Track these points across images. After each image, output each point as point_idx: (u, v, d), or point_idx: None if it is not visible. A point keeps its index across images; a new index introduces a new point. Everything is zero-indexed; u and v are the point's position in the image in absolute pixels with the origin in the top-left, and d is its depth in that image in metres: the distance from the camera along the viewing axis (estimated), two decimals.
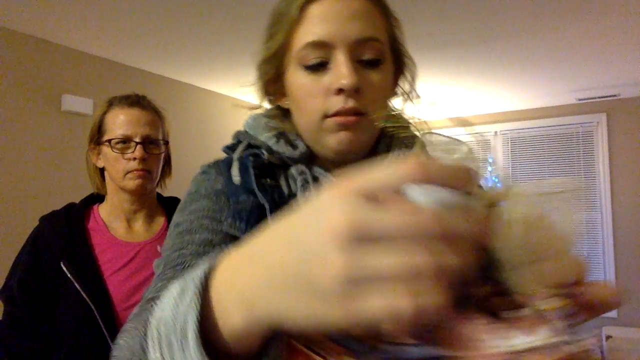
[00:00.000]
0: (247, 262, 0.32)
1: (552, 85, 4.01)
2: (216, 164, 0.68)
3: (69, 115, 2.92)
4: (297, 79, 0.62)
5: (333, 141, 0.61)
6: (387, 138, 0.66)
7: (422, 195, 0.26)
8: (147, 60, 3.27)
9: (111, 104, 1.30)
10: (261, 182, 0.62)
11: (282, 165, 0.65)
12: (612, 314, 4.37)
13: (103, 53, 3.10)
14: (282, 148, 0.65)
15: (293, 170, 0.64)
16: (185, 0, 2.34)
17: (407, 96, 0.69)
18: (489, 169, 4.99)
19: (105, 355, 1.13)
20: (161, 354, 0.35)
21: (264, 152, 0.65)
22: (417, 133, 0.62)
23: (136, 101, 1.30)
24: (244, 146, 0.67)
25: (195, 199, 0.64)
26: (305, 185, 0.62)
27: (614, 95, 4.29)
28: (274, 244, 0.30)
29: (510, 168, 4.94)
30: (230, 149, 0.69)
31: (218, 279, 0.34)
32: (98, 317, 1.13)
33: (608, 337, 4.11)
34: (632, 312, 4.31)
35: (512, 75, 3.71)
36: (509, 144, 4.96)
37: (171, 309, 0.35)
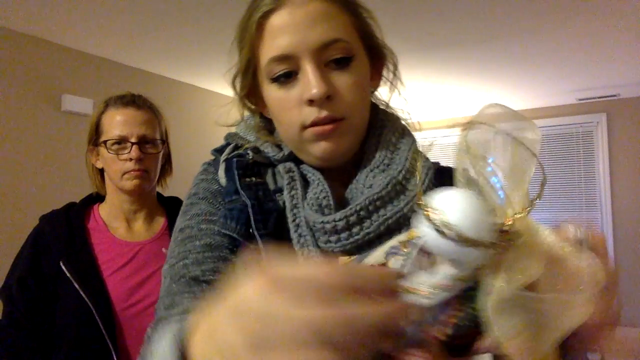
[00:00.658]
0: (203, 337, 0.34)
1: (552, 85, 4.01)
2: (215, 162, 0.69)
3: (69, 115, 2.92)
4: (269, 92, 0.62)
5: (315, 151, 0.61)
6: (374, 137, 0.66)
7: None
8: (147, 60, 3.28)
9: (107, 104, 1.29)
10: (245, 181, 0.63)
11: (269, 164, 0.67)
12: None
13: (103, 53, 3.10)
14: (270, 149, 0.66)
15: (280, 167, 0.65)
16: (185, 1, 2.34)
17: (392, 84, 0.69)
18: (489, 169, 4.98)
19: (104, 355, 1.14)
20: None
21: (249, 152, 0.66)
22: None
23: (131, 101, 1.29)
24: (231, 148, 0.68)
25: (194, 202, 0.65)
26: (291, 182, 0.62)
27: (614, 95, 4.29)
28: (216, 325, 0.32)
29: None
30: (218, 151, 0.70)
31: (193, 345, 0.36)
32: (97, 316, 1.13)
33: None
34: (632, 312, 4.31)
35: (512, 75, 3.71)
36: None
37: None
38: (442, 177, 0.65)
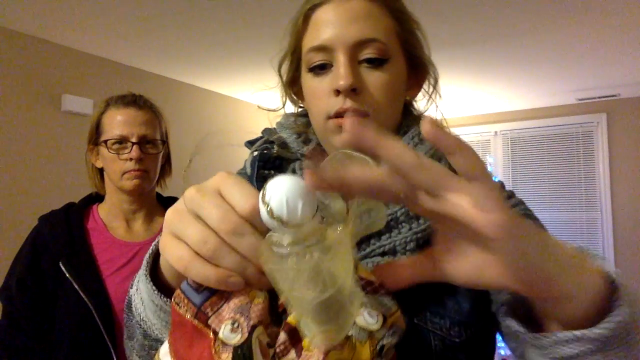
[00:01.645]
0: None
1: (552, 85, 4.01)
2: (245, 161, 0.73)
3: (69, 115, 2.92)
4: (306, 81, 0.65)
5: (337, 142, 0.63)
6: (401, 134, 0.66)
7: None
8: (147, 60, 3.28)
9: (108, 104, 1.29)
10: (263, 173, 0.66)
11: (294, 160, 0.69)
12: None
13: (103, 53, 3.10)
14: (295, 144, 0.69)
15: (296, 165, 0.68)
16: (185, 1, 2.34)
17: (430, 97, 0.71)
18: (489, 169, 4.99)
19: (104, 355, 1.13)
20: (135, 287, 0.51)
21: (275, 146, 0.69)
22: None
23: (132, 101, 1.29)
24: (263, 141, 0.71)
25: None
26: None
27: (614, 95, 4.29)
28: None
29: (510, 168, 4.94)
30: (251, 143, 0.73)
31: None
32: (97, 317, 1.13)
33: None
34: None
35: (512, 75, 3.71)
36: (509, 144, 4.96)
37: (141, 270, 0.51)
38: None
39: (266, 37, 2.76)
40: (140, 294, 0.50)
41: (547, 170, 4.76)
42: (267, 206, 0.34)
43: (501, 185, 0.68)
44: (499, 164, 4.99)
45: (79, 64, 3.01)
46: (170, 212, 0.39)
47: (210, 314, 0.36)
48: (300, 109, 0.75)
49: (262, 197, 0.34)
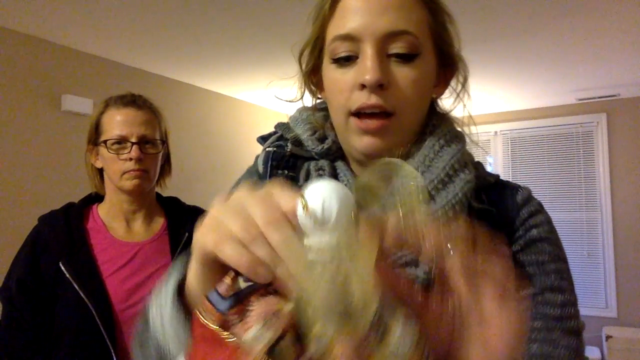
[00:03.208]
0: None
1: (552, 85, 4.01)
2: (256, 157, 0.69)
3: (69, 115, 2.92)
4: (328, 72, 0.61)
5: (358, 144, 0.59)
6: (420, 143, 0.61)
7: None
8: (147, 60, 3.28)
9: (107, 104, 1.29)
10: (276, 173, 0.63)
11: (308, 158, 0.65)
12: (612, 313, 4.37)
13: (103, 53, 3.10)
14: (310, 142, 0.65)
15: (311, 165, 0.64)
16: (185, 1, 2.34)
17: (458, 96, 0.66)
18: (490, 169, 4.98)
19: (104, 355, 1.13)
20: (156, 305, 0.47)
21: (289, 144, 0.65)
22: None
23: (132, 101, 1.29)
24: (276, 137, 0.67)
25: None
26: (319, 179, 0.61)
27: (614, 95, 4.28)
28: None
29: (510, 168, 4.94)
30: (264, 139, 0.69)
31: None
32: (97, 317, 1.13)
33: (608, 337, 4.11)
34: (632, 312, 4.31)
35: (512, 75, 3.71)
36: (509, 144, 4.96)
37: (162, 284, 0.48)
38: (496, 191, 0.62)
39: (266, 37, 2.76)
40: (160, 309, 0.48)
41: (547, 170, 4.76)
42: (304, 203, 0.34)
43: (529, 196, 0.63)
44: (499, 164, 4.99)
45: (79, 64, 3.01)
46: (213, 208, 0.39)
47: (235, 322, 0.35)
48: (318, 101, 0.69)
49: (300, 195, 0.35)
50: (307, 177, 0.64)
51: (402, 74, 0.57)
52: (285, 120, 0.71)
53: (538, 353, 0.54)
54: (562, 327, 0.56)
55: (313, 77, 0.67)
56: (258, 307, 0.35)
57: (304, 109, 0.70)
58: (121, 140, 1.25)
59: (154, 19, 2.56)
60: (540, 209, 0.63)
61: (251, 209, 0.36)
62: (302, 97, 0.69)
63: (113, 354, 1.13)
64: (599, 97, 4.34)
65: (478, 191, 0.61)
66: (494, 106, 4.75)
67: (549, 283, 0.58)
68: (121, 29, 2.70)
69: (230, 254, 0.36)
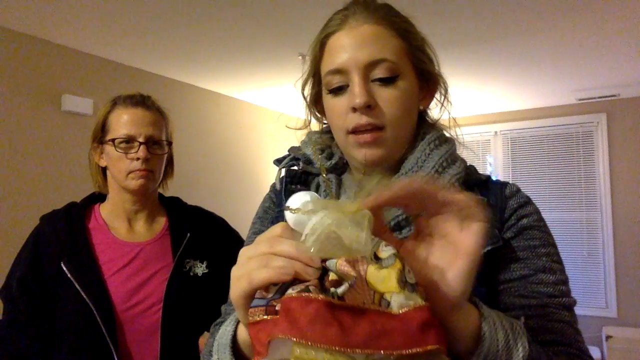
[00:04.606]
0: None
1: (552, 85, 4.01)
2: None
3: (69, 115, 2.92)
4: (326, 101, 0.72)
5: (357, 156, 0.69)
6: (413, 148, 0.72)
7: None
8: (147, 60, 3.28)
9: (115, 103, 1.29)
10: (290, 188, 0.75)
11: (317, 174, 0.77)
12: (612, 313, 4.37)
13: (103, 53, 3.10)
14: (319, 159, 0.76)
15: (321, 178, 0.76)
16: (185, 1, 2.34)
17: (442, 105, 0.78)
18: (490, 169, 4.99)
19: (105, 355, 1.13)
20: (217, 354, 0.57)
21: (301, 163, 0.77)
22: None
23: (140, 101, 1.29)
24: (290, 159, 0.79)
25: (254, 221, 0.81)
26: (328, 191, 0.72)
27: (614, 95, 4.29)
28: None
29: (510, 168, 4.94)
30: (279, 161, 0.81)
31: None
32: (98, 317, 1.13)
33: (608, 337, 4.11)
34: (632, 312, 4.31)
35: (512, 75, 3.71)
36: (509, 144, 4.96)
37: (222, 332, 0.58)
38: (487, 187, 0.72)
39: (267, 37, 2.76)
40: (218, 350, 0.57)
41: (547, 170, 4.76)
42: (289, 208, 0.49)
43: (517, 190, 0.72)
44: (499, 164, 4.99)
45: (79, 64, 3.01)
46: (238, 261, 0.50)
47: (277, 306, 0.44)
48: (324, 126, 0.82)
49: (285, 208, 0.50)
50: (317, 190, 0.76)
51: (385, 94, 0.67)
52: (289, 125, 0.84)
53: (535, 327, 0.61)
54: (556, 303, 0.64)
55: (317, 106, 0.79)
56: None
57: (313, 132, 0.82)
58: (129, 140, 1.25)
59: (154, 19, 2.56)
60: (528, 200, 0.71)
61: (258, 245, 0.48)
62: (309, 125, 0.82)
63: (114, 354, 1.13)
64: (599, 97, 4.34)
65: (471, 187, 0.71)
66: (494, 106, 4.75)
67: (541, 265, 0.66)
68: (121, 29, 2.70)
69: (260, 277, 0.45)
